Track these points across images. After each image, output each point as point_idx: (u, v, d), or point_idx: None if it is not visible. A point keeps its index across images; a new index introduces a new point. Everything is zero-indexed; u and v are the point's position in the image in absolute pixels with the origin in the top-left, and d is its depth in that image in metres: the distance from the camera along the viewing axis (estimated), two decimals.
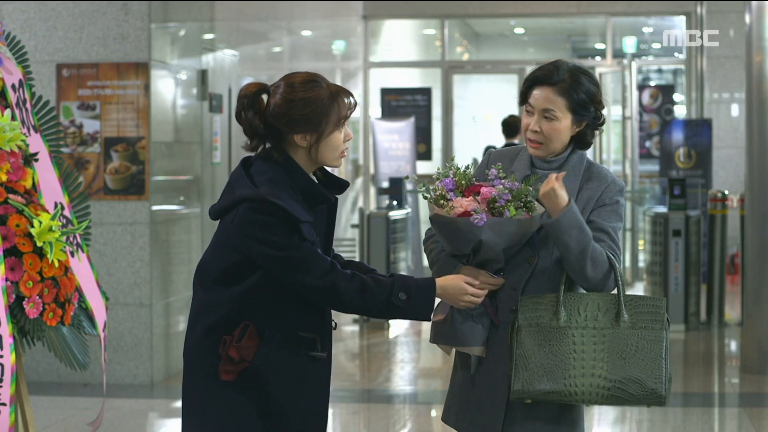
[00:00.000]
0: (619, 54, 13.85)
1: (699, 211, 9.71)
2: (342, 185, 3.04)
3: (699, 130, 11.62)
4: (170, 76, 7.56)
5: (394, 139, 12.76)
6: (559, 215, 2.95)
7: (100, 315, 4.26)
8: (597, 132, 3.18)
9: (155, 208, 7.20)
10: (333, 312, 3.02)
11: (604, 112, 3.25)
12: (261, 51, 11.08)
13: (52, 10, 7.18)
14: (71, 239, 4.22)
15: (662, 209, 9.50)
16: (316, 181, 3.00)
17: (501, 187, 2.99)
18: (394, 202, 10.40)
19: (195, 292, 2.99)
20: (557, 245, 2.99)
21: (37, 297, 3.73)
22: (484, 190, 3.01)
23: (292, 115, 2.88)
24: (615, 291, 3.02)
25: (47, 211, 3.92)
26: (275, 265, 2.84)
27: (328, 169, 3.07)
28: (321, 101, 2.89)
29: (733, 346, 8.84)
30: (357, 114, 13.64)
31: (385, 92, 13.71)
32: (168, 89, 7.51)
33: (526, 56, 17.08)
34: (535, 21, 15.30)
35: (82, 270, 4.19)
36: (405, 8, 13.62)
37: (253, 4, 10.33)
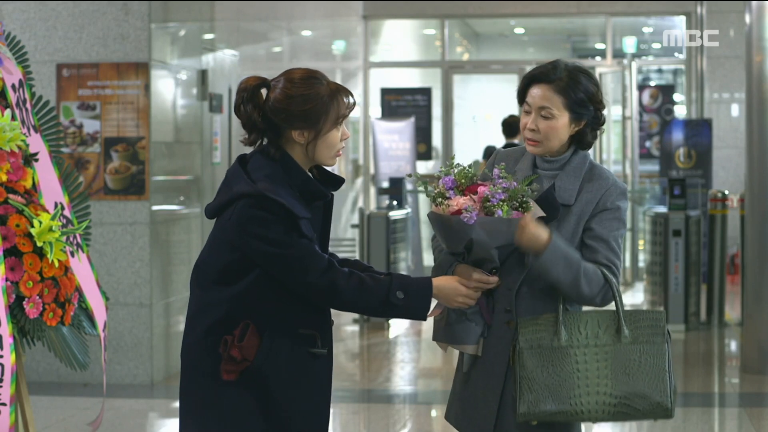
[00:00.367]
0: (619, 54, 13.85)
1: (699, 211, 9.71)
2: (338, 181, 3.04)
3: (699, 130, 11.62)
4: (170, 76, 7.56)
5: (394, 139, 12.77)
6: (541, 255, 2.94)
7: (100, 315, 4.26)
8: (598, 132, 3.17)
9: (155, 208, 7.20)
10: (332, 311, 3.02)
11: (605, 112, 3.24)
12: (261, 51, 11.08)
13: (52, 10, 7.18)
14: (71, 239, 4.22)
15: (662, 209, 9.50)
16: (314, 179, 3.00)
17: (494, 186, 2.99)
18: (394, 202, 10.40)
19: (192, 292, 2.98)
20: (548, 281, 2.98)
21: (37, 297, 3.73)
22: (481, 188, 3.02)
23: (290, 110, 2.88)
24: (613, 305, 3.01)
25: (47, 211, 3.92)
26: (273, 263, 2.84)
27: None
28: (320, 98, 2.90)
29: (733, 346, 8.85)
30: (357, 114, 13.66)
31: (385, 92, 13.71)
32: (168, 89, 7.51)
33: (526, 56, 17.08)
34: (535, 21, 15.30)
35: (82, 270, 4.19)
36: (405, 8, 13.62)
37: (253, 4, 10.34)
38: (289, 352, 2.88)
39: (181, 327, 7.55)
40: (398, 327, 9.40)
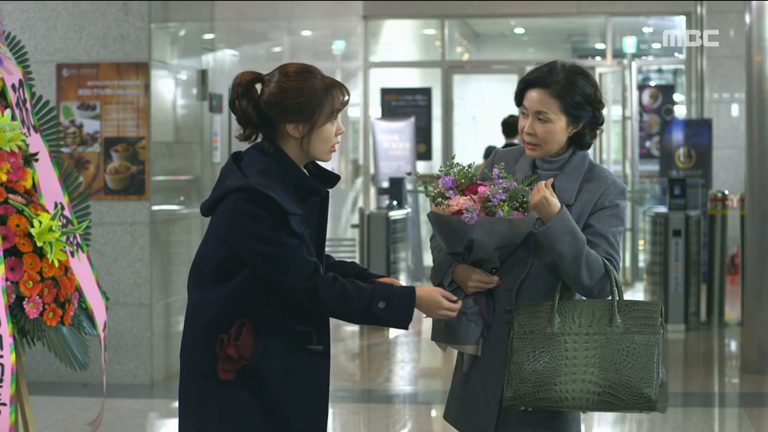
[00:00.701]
0: (619, 54, 13.85)
1: (699, 211, 9.71)
2: (333, 179, 3.04)
3: (699, 130, 11.62)
4: (170, 76, 7.56)
5: (394, 139, 12.77)
6: (549, 223, 2.94)
7: (100, 315, 4.26)
8: (597, 132, 3.17)
9: (155, 208, 7.20)
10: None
11: (604, 111, 3.24)
12: (261, 51, 11.08)
13: (52, 10, 7.18)
14: (71, 239, 4.22)
15: (662, 209, 9.50)
16: (309, 175, 3.00)
17: (494, 186, 2.99)
18: (394, 202, 10.40)
19: (189, 291, 2.98)
20: (551, 253, 2.98)
21: (37, 297, 3.73)
22: (481, 189, 3.02)
23: (285, 103, 2.88)
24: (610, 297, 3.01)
25: (47, 211, 3.92)
26: (259, 261, 2.83)
27: (320, 163, 3.07)
28: (315, 92, 2.90)
29: (733, 346, 8.84)
30: (357, 114, 13.65)
31: (385, 92, 13.71)
32: (168, 89, 7.51)
33: (526, 56, 17.08)
34: (535, 21, 15.30)
35: (82, 270, 4.19)
36: (405, 8, 13.62)
37: (253, 4, 10.33)
38: (285, 350, 2.88)
39: (181, 327, 7.54)
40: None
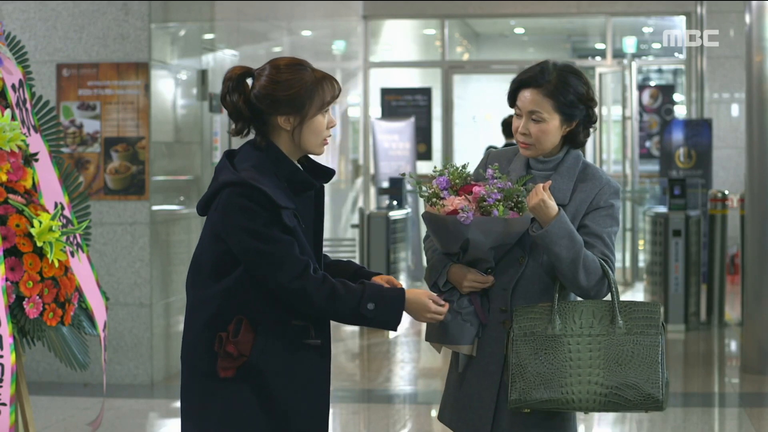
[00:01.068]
0: (619, 54, 13.85)
1: (699, 211, 9.71)
2: (328, 173, 3.04)
3: (699, 130, 11.62)
4: (170, 76, 7.56)
5: (394, 139, 12.77)
6: (548, 226, 2.95)
7: (100, 315, 4.26)
8: (591, 130, 3.17)
9: (155, 208, 7.20)
10: None
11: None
12: (261, 51, 11.08)
13: (52, 10, 7.18)
14: (71, 239, 4.22)
15: (662, 209, 9.50)
16: (302, 169, 2.99)
17: (489, 186, 2.99)
18: (394, 202, 10.40)
19: (187, 292, 2.98)
20: (548, 256, 2.99)
21: (37, 297, 3.73)
22: (476, 189, 3.02)
23: (275, 95, 2.89)
24: (609, 297, 3.02)
25: (47, 211, 3.92)
26: (250, 257, 2.83)
27: (315, 158, 3.07)
28: (305, 83, 2.91)
29: (733, 346, 8.84)
30: (357, 114, 13.66)
31: (385, 92, 13.71)
32: (168, 89, 7.51)
33: (526, 56, 17.08)
34: (535, 21, 15.30)
35: (82, 270, 4.19)
36: (405, 8, 13.62)
37: (253, 4, 10.33)
38: (284, 345, 2.88)
39: (181, 327, 7.54)
40: (399, 327, 9.38)
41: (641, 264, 11.97)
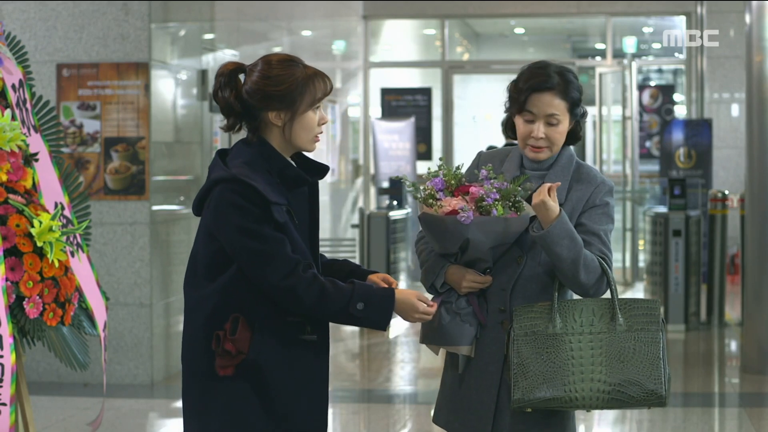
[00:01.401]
0: (619, 54, 13.85)
1: (699, 211, 9.71)
2: (322, 169, 3.04)
3: (699, 130, 11.62)
4: (170, 76, 7.56)
5: (394, 139, 12.77)
6: (549, 226, 2.95)
7: (100, 315, 4.26)
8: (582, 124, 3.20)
9: (155, 208, 7.20)
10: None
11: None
12: (261, 51, 11.08)
13: (52, 10, 7.18)
14: (71, 239, 4.22)
15: (662, 209, 9.50)
16: (295, 165, 2.99)
17: (488, 185, 2.99)
18: (394, 202, 10.40)
19: (184, 292, 2.99)
20: (549, 256, 2.99)
21: (37, 297, 3.73)
22: (473, 189, 3.02)
23: (267, 91, 2.90)
24: (608, 295, 3.02)
25: (47, 211, 3.92)
26: (241, 254, 2.84)
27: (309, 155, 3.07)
28: (296, 80, 2.91)
29: (733, 346, 8.84)
30: (357, 114, 13.65)
31: (385, 92, 13.71)
32: (168, 89, 7.51)
33: (526, 56, 17.08)
34: (535, 21, 15.30)
35: (82, 270, 4.19)
36: (405, 8, 13.62)
37: (253, 4, 10.34)
38: (281, 342, 2.88)
39: (181, 327, 7.54)
40: (398, 327, 9.40)
41: (641, 264, 11.97)
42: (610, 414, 6.46)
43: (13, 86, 4.17)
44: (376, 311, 2.90)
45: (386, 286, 3.02)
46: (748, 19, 7.71)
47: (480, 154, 3.26)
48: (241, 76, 2.97)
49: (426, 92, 13.78)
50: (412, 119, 12.92)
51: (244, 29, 10.27)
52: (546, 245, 2.96)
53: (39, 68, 6.98)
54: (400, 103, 13.63)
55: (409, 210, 10.97)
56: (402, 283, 10.32)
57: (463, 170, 3.13)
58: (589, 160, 14.29)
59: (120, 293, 7.11)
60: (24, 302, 3.70)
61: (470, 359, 3.10)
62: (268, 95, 2.90)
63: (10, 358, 3.65)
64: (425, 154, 13.45)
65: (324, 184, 12.10)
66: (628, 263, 12.35)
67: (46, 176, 4.22)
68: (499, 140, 11.58)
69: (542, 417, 3.07)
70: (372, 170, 13.18)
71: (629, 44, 14.42)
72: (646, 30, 15.22)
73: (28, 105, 4.27)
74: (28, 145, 4.07)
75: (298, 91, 2.91)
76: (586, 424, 6.29)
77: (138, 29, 7.12)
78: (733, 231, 10.21)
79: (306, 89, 2.92)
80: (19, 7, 7.18)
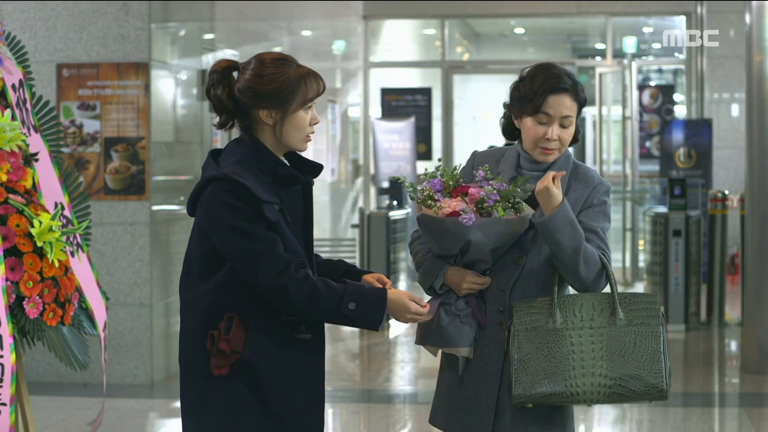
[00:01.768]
0: (619, 54, 13.85)
1: (699, 211, 9.71)
2: (316, 168, 3.04)
3: (699, 130, 11.62)
4: (170, 76, 7.56)
5: (394, 139, 12.77)
6: (551, 213, 2.95)
7: (100, 315, 4.26)
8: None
9: (155, 208, 7.20)
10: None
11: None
12: (261, 51, 11.08)
13: (52, 10, 7.18)
14: (71, 239, 4.22)
15: (662, 209, 9.50)
16: (288, 164, 2.99)
17: (489, 187, 2.99)
18: (394, 202, 10.40)
19: (179, 292, 2.99)
20: (550, 244, 2.99)
21: (37, 297, 3.73)
22: (472, 190, 3.02)
23: (258, 89, 2.90)
24: (608, 290, 3.03)
25: (47, 211, 3.92)
26: (233, 253, 2.83)
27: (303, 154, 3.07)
28: (288, 79, 2.91)
29: (733, 346, 8.85)
30: (357, 114, 13.65)
31: (385, 92, 13.71)
32: (168, 89, 7.51)
33: (526, 56, 17.09)
34: (535, 21, 15.30)
35: (82, 270, 4.19)
36: (405, 8, 13.62)
37: (253, 4, 10.34)
38: (275, 340, 2.88)
39: None
40: (398, 327, 9.40)
41: (641, 264, 11.97)
42: (610, 414, 6.46)
43: (13, 86, 4.17)
44: (368, 311, 2.89)
45: (381, 286, 3.01)
46: (748, 19, 7.71)
47: (475, 153, 3.25)
48: (235, 74, 2.96)
49: (426, 92, 13.78)
50: (412, 119, 12.92)
51: (244, 29, 10.27)
52: (547, 232, 2.96)
53: (39, 68, 6.98)
54: (400, 103, 13.63)
55: (409, 210, 10.97)
56: (402, 283, 10.32)
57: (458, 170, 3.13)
58: (589, 160, 14.31)
59: (120, 293, 7.11)
60: (24, 302, 3.70)
61: (469, 360, 3.10)
62: (260, 93, 2.90)
63: (10, 358, 3.65)
64: (425, 154, 13.45)
65: (324, 184, 12.10)
66: (628, 263, 12.35)
67: (46, 176, 4.22)
68: (499, 140, 11.58)
69: (543, 417, 3.07)
70: (372, 170, 13.18)
71: (629, 44, 14.42)
72: (646, 30, 15.22)
73: (28, 105, 4.27)
74: (28, 145, 4.08)
75: (289, 90, 2.91)
76: (586, 424, 6.29)
77: (138, 29, 7.13)
78: (733, 231, 10.21)
79: (298, 89, 2.92)
80: (19, 7, 7.18)
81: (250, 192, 2.82)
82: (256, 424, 2.88)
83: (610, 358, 2.93)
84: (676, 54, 14.08)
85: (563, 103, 3.05)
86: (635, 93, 12.78)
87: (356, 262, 10.00)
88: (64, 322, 3.86)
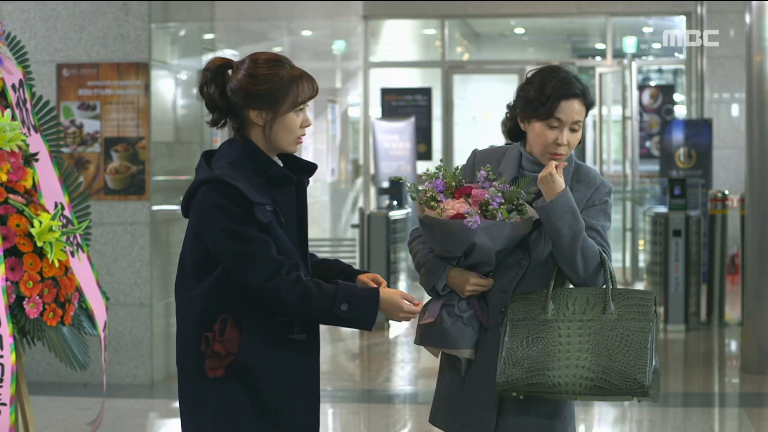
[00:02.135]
0: (619, 54, 13.85)
1: (699, 211, 9.71)
2: (310, 168, 3.03)
3: (699, 130, 11.62)
4: (170, 76, 7.56)
5: (394, 139, 12.77)
6: (553, 197, 2.96)
7: (100, 315, 4.26)
8: None
9: (155, 208, 7.20)
10: None
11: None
12: (261, 51, 11.08)
13: (52, 10, 7.18)
14: (71, 239, 4.22)
15: (662, 209, 9.50)
16: (282, 164, 2.99)
17: (493, 189, 2.98)
18: (394, 202, 10.40)
19: (175, 294, 2.99)
20: (549, 232, 2.99)
21: (38, 297, 3.73)
22: (475, 191, 3.01)
23: (250, 89, 2.89)
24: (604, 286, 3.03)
25: (47, 211, 3.92)
26: (225, 256, 2.83)
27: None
28: (281, 80, 2.90)
29: (733, 346, 8.84)
30: (357, 114, 13.65)
31: (386, 92, 13.71)
32: (168, 89, 7.51)
33: (526, 56, 17.08)
34: (535, 21, 15.30)
35: (82, 270, 4.19)
36: (405, 8, 13.62)
37: (253, 4, 10.34)
38: (270, 341, 2.88)
39: None
40: (398, 327, 9.40)
41: (641, 264, 11.97)
42: (610, 414, 6.46)
43: (13, 86, 4.17)
44: (360, 312, 2.89)
45: (376, 285, 3.01)
46: (748, 19, 7.71)
47: (475, 152, 3.24)
48: (230, 72, 2.95)
49: (426, 92, 13.78)
50: (412, 119, 12.92)
51: (244, 29, 10.26)
52: (548, 217, 2.96)
53: (39, 68, 6.98)
54: (400, 103, 13.63)
55: (409, 210, 10.97)
56: (402, 283, 10.32)
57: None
58: (589, 160, 14.30)
59: (120, 293, 7.11)
60: (24, 302, 3.70)
61: (471, 361, 3.10)
62: (251, 94, 2.89)
63: (10, 358, 3.65)
64: (425, 154, 13.45)
65: (324, 184, 12.10)
66: (628, 263, 12.35)
67: (46, 176, 4.22)
68: (499, 140, 11.58)
69: (545, 418, 3.06)
70: (372, 170, 13.18)
71: (629, 44, 14.41)
72: (646, 30, 15.22)
73: (28, 105, 4.27)
74: (28, 145, 4.08)
75: (281, 91, 2.89)
76: (586, 424, 6.29)
77: (138, 29, 7.13)
78: (733, 231, 10.21)
79: (289, 91, 2.90)
80: (19, 7, 7.18)
81: (242, 194, 2.81)
82: (252, 425, 2.88)
83: (596, 351, 2.91)
84: (676, 54, 14.08)
85: (575, 109, 3.05)
86: (635, 93, 12.78)
87: (356, 262, 10.01)
88: (64, 322, 3.86)
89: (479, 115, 16.47)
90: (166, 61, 7.46)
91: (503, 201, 2.97)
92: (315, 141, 11.61)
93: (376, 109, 13.79)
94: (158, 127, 7.27)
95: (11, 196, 3.81)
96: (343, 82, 13.54)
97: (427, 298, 3.21)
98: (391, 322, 9.38)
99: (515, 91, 3.17)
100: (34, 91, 4.42)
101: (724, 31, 12.16)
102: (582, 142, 14.13)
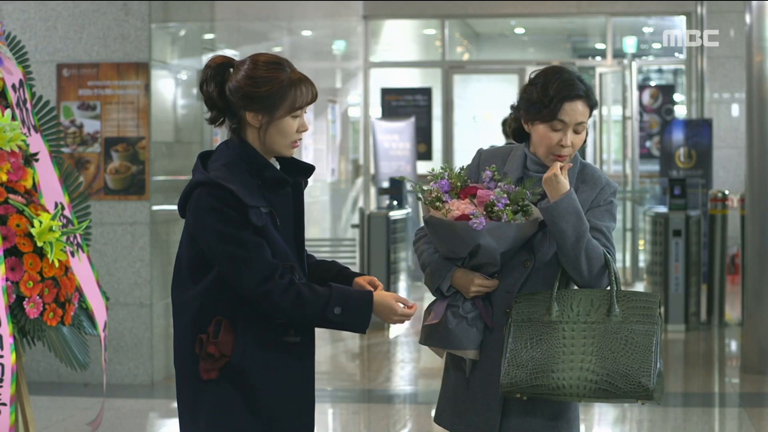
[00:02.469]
0: (619, 54, 13.85)
1: (699, 211, 9.71)
2: (307, 169, 3.02)
3: (699, 130, 11.62)
4: (170, 76, 7.56)
5: (394, 139, 12.77)
6: (558, 199, 2.95)
7: (100, 315, 4.26)
8: None
9: (155, 208, 7.20)
10: None
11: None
12: (261, 51, 11.07)
13: (52, 10, 7.18)
14: (71, 239, 4.22)
15: (662, 209, 9.50)
16: (279, 165, 2.98)
17: (499, 190, 2.98)
18: (394, 202, 10.40)
19: (171, 295, 2.99)
20: (554, 233, 2.98)
21: (38, 297, 3.73)
22: (480, 192, 3.00)
23: (248, 91, 2.87)
24: (609, 288, 3.03)
25: (47, 211, 3.92)
26: (219, 258, 2.83)
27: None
28: (279, 83, 2.88)
29: (734, 346, 8.84)
30: (357, 114, 13.65)
31: (386, 92, 13.71)
32: (168, 89, 7.51)
33: (526, 56, 17.08)
34: (535, 21, 15.30)
35: (82, 270, 4.19)
36: (405, 8, 13.62)
37: (253, 4, 10.34)
38: (264, 344, 2.87)
39: None
40: (398, 327, 9.41)
41: (641, 264, 11.97)
42: (610, 414, 6.46)
43: (14, 86, 4.17)
44: (353, 315, 2.88)
45: (372, 288, 3.00)
46: (748, 19, 7.71)
47: (480, 151, 3.23)
48: (230, 71, 2.94)
49: (426, 92, 13.78)
50: (412, 119, 12.92)
51: (244, 29, 10.26)
52: (552, 219, 2.96)
53: (39, 68, 6.98)
54: (400, 103, 13.63)
55: (409, 210, 10.97)
56: (402, 283, 10.31)
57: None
58: (589, 160, 14.28)
59: (120, 293, 7.11)
60: (24, 302, 3.70)
61: (475, 362, 3.10)
62: (248, 95, 2.88)
63: (10, 358, 3.65)
64: (425, 154, 13.45)
65: (324, 184, 12.09)
66: (628, 263, 12.35)
67: (46, 176, 4.22)
68: (499, 140, 11.57)
69: (549, 419, 3.06)
70: (372, 170, 13.18)
71: (629, 44, 14.42)
72: (646, 30, 15.22)
73: (28, 105, 4.27)
74: (28, 145, 4.08)
75: (279, 95, 2.88)
76: (586, 424, 6.29)
77: (138, 29, 7.13)
78: (733, 231, 10.21)
79: (287, 95, 2.89)
80: (19, 7, 7.18)
81: (236, 197, 2.80)
82: (246, 426, 2.88)
83: (600, 354, 2.91)
84: (676, 54, 14.08)
85: (578, 110, 3.04)
86: (635, 93, 12.78)
87: (356, 262, 10.00)
88: (64, 322, 3.86)
89: (479, 115, 16.47)
90: (166, 61, 7.46)
91: (508, 202, 2.96)
92: (315, 141, 11.61)
93: (376, 109, 13.79)
94: (158, 127, 7.27)
95: (11, 196, 3.81)
96: (343, 82, 13.54)
97: (430, 298, 3.21)
98: None
99: (519, 93, 3.17)
100: (34, 91, 4.42)
101: (724, 31, 12.16)
102: (583, 142, 14.08)
